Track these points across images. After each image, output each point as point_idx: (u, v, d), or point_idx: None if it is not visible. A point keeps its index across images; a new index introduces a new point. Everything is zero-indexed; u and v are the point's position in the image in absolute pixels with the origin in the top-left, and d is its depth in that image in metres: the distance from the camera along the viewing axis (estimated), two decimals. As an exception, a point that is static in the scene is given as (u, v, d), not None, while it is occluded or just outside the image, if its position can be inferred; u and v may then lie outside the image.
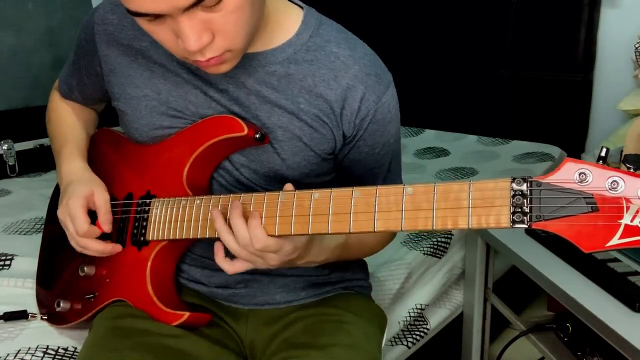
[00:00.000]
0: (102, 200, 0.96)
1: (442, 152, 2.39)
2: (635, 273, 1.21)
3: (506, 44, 2.44)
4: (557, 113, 2.36)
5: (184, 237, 0.90)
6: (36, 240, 1.22)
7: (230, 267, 0.84)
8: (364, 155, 0.95)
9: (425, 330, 1.54)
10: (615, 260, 1.28)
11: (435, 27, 2.63)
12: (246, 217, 0.81)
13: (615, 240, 0.61)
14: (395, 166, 1.01)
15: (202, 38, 0.74)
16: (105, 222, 0.96)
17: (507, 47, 2.44)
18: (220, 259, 0.84)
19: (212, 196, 0.89)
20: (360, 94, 0.90)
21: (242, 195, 0.85)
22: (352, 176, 0.99)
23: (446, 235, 1.63)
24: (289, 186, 0.82)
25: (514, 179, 0.65)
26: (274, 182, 0.95)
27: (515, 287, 1.83)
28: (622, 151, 1.39)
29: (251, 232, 0.78)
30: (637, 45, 2.00)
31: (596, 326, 1.11)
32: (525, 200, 0.64)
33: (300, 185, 0.87)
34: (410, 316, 1.50)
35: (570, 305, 1.19)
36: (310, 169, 0.94)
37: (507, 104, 2.48)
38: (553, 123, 2.38)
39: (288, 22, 0.90)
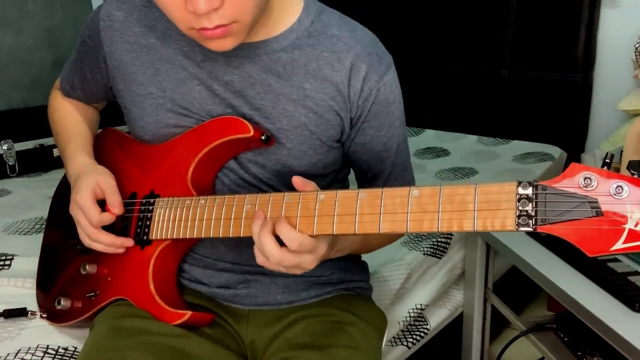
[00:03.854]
0: (106, 184, 0.96)
1: (442, 152, 2.39)
2: (635, 273, 1.21)
3: (506, 44, 2.44)
4: (557, 113, 2.36)
5: (187, 237, 0.91)
6: (36, 240, 1.22)
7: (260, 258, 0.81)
8: (369, 138, 0.95)
9: (426, 331, 1.54)
10: (615, 260, 1.28)
11: (435, 27, 2.63)
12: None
13: (619, 245, 0.61)
14: (403, 150, 1.00)
15: (212, 0, 0.74)
16: (114, 203, 0.95)
17: (507, 47, 2.44)
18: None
19: (217, 196, 0.89)
20: (363, 73, 0.91)
21: (247, 195, 0.85)
22: (359, 161, 0.98)
23: (446, 236, 1.63)
24: (311, 185, 0.81)
25: (519, 183, 0.66)
26: (280, 175, 0.95)
27: (515, 287, 1.83)
28: (622, 151, 1.39)
29: (283, 235, 0.77)
30: (637, 45, 2.00)
31: (596, 326, 1.11)
32: (530, 204, 0.65)
33: (307, 177, 0.87)
34: (410, 316, 1.50)
35: (570, 305, 1.19)
36: (317, 158, 0.94)
37: (507, 104, 2.48)
38: (553, 123, 2.38)
39: (289, 10, 0.92)
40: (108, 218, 0.95)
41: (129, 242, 0.96)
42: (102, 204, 0.96)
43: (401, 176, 1.01)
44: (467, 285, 1.65)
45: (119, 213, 0.96)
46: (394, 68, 0.95)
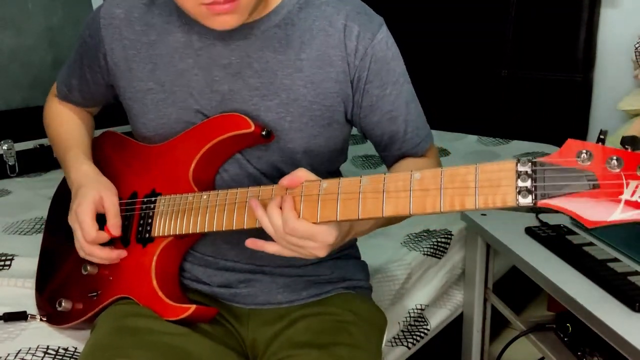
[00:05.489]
0: (110, 204, 0.96)
1: (442, 152, 2.39)
2: (635, 273, 1.21)
3: (506, 44, 2.44)
4: (557, 113, 2.36)
5: (190, 232, 0.91)
6: (36, 240, 1.22)
7: (272, 247, 0.83)
8: (375, 99, 0.96)
9: (426, 331, 1.54)
10: (615, 260, 1.28)
11: (435, 27, 2.63)
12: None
13: (616, 216, 0.63)
14: (414, 108, 1.01)
15: None
16: (114, 226, 0.96)
17: (506, 47, 2.44)
18: (262, 243, 0.83)
19: (219, 191, 0.90)
20: (356, 32, 0.92)
21: (249, 188, 0.86)
22: (371, 125, 0.98)
23: (446, 236, 1.63)
24: (300, 172, 0.82)
25: (518, 160, 0.68)
26: (283, 154, 0.95)
27: (515, 287, 1.83)
28: (622, 151, 1.39)
29: (284, 214, 0.79)
30: (637, 45, 2.00)
31: (596, 326, 1.11)
32: (530, 180, 0.67)
33: (310, 155, 0.90)
34: (410, 316, 1.50)
35: (570, 305, 1.19)
36: (318, 131, 0.95)
37: (507, 104, 2.48)
38: (553, 123, 2.38)
39: None
40: (104, 237, 0.95)
41: (123, 254, 0.97)
42: (100, 218, 0.96)
43: (416, 134, 1.01)
44: (467, 285, 1.65)
45: (116, 235, 0.96)
46: (387, 28, 0.96)
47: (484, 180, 0.70)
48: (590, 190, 0.64)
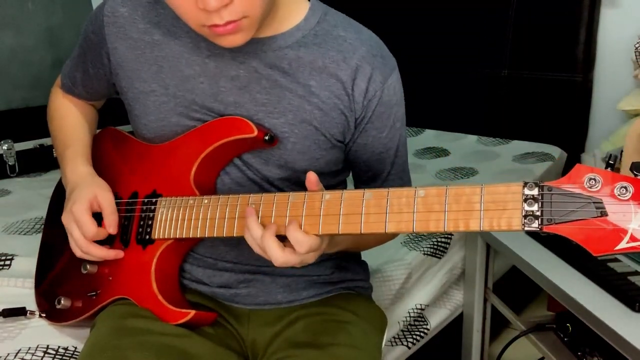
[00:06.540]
0: (106, 202, 0.96)
1: (442, 152, 2.39)
2: (635, 273, 1.21)
3: (506, 44, 2.44)
4: (557, 113, 2.36)
5: (190, 237, 0.91)
6: (36, 240, 1.22)
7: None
8: (371, 139, 0.96)
9: (426, 331, 1.54)
10: (615, 260, 1.28)
11: (435, 27, 2.63)
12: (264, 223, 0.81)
13: (623, 244, 0.62)
14: (403, 152, 1.02)
15: None
16: (111, 223, 0.96)
17: (507, 47, 2.44)
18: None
19: (221, 196, 0.89)
20: (368, 74, 0.92)
21: (251, 195, 0.86)
22: (359, 161, 0.99)
23: (446, 236, 1.63)
24: (321, 187, 0.81)
25: (525, 184, 0.67)
26: (282, 170, 0.95)
27: (515, 287, 1.83)
28: (622, 151, 1.39)
29: (292, 238, 0.78)
30: (637, 45, 2.00)
31: (596, 326, 1.11)
32: (536, 205, 0.66)
33: None
34: (410, 316, 1.50)
35: (570, 305, 1.19)
36: (320, 154, 0.95)
37: (507, 104, 2.48)
38: (553, 123, 2.38)
39: (296, 9, 0.93)
40: (103, 234, 0.95)
41: (120, 254, 0.97)
42: (96, 218, 0.96)
43: (399, 177, 1.02)
44: (467, 285, 1.65)
45: (113, 233, 0.96)
46: (398, 70, 0.96)
47: (490, 202, 0.69)
48: (597, 218, 0.64)
